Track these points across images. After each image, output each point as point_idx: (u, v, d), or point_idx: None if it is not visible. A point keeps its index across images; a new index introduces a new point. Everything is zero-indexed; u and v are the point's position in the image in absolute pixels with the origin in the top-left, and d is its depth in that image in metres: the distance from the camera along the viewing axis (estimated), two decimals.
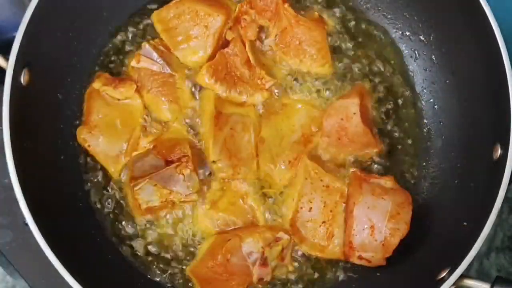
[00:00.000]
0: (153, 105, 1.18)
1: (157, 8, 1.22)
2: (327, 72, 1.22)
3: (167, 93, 1.18)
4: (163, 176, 1.11)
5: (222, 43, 1.20)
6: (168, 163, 1.13)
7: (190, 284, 1.15)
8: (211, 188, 1.16)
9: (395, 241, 1.09)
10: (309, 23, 1.20)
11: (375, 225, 1.09)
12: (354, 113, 1.15)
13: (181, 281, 1.16)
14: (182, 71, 1.19)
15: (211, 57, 1.18)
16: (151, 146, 1.15)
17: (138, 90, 1.18)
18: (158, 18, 1.20)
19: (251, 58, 1.18)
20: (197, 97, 1.19)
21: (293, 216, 1.14)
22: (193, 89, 1.20)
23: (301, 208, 1.14)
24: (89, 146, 1.16)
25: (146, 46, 1.19)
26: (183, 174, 1.12)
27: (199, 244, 1.16)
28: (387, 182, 1.14)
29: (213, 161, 1.14)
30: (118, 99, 1.17)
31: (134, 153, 1.16)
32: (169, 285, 1.16)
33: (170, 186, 1.11)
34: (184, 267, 1.16)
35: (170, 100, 1.18)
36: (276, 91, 1.21)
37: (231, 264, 1.10)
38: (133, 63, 1.18)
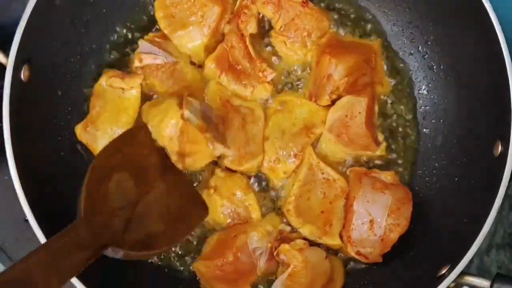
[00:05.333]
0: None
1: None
2: None
3: (179, 80, 1.18)
4: None
5: (223, 37, 1.21)
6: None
7: (191, 277, 1.16)
8: (215, 174, 1.16)
9: (394, 236, 1.09)
10: (317, 12, 1.20)
11: (375, 219, 1.09)
12: (359, 112, 1.15)
13: (185, 275, 1.16)
14: (184, 57, 1.20)
15: (208, 47, 1.19)
16: None
17: (149, 85, 1.18)
18: (159, 4, 1.20)
19: (251, 51, 1.18)
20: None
21: (294, 203, 1.14)
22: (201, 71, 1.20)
23: (301, 196, 1.14)
24: (87, 142, 1.16)
25: (143, 43, 1.19)
26: None
27: (204, 237, 1.16)
28: (388, 177, 1.14)
29: None
30: (123, 90, 1.16)
31: None
32: (170, 281, 1.16)
33: None
34: (188, 261, 1.16)
35: (185, 86, 1.17)
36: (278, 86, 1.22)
37: (240, 262, 1.11)
38: (136, 63, 1.18)
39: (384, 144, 1.18)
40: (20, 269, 0.80)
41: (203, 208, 1.09)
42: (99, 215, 0.92)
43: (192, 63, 1.21)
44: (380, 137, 1.20)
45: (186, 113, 1.05)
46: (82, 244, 0.87)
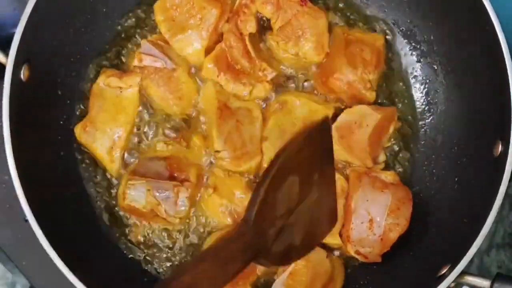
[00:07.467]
0: (162, 102, 1.19)
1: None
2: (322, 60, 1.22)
3: (173, 90, 1.18)
4: (160, 187, 1.10)
5: (221, 37, 1.20)
6: (171, 178, 1.12)
7: None
8: (213, 175, 1.16)
9: (394, 236, 1.09)
10: (315, 11, 1.20)
11: (374, 219, 1.09)
12: (367, 125, 1.15)
13: None
14: (184, 65, 1.20)
15: (208, 49, 1.19)
16: (168, 154, 1.16)
17: (144, 86, 1.18)
18: (159, 8, 1.20)
19: (250, 50, 1.18)
20: (201, 91, 1.20)
21: None
22: (196, 83, 1.20)
23: None
24: (86, 142, 1.16)
25: (145, 43, 1.18)
26: (177, 197, 1.11)
27: (203, 236, 1.16)
28: (388, 176, 1.14)
29: (216, 151, 1.14)
30: (120, 89, 1.16)
31: (147, 155, 1.17)
32: None
33: (161, 199, 1.11)
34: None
35: (178, 97, 1.18)
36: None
37: None
38: (135, 62, 1.18)
39: (382, 166, 1.18)
40: (187, 278, 0.78)
41: (332, 220, 1.03)
42: (264, 222, 0.85)
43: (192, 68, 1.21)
44: (382, 158, 1.19)
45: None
46: (240, 253, 0.83)
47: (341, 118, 1.16)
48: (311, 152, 0.92)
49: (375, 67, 1.19)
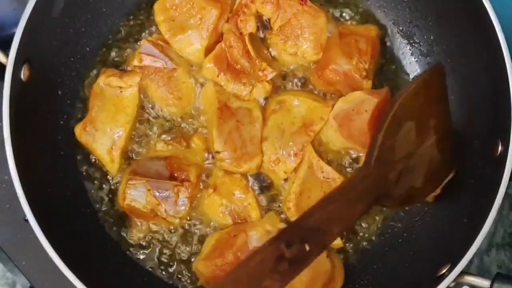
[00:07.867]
0: (162, 101, 1.19)
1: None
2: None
3: (173, 90, 1.18)
4: (160, 187, 1.11)
5: (221, 37, 1.21)
6: (171, 178, 1.12)
7: (192, 277, 1.16)
8: (214, 174, 1.17)
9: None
10: (314, 10, 1.20)
11: None
12: (366, 111, 1.14)
13: (185, 275, 1.16)
14: (184, 64, 1.20)
15: (208, 49, 1.19)
16: (168, 154, 1.16)
17: (143, 86, 1.18)
18: (159, 8, 1.20)
19: (251, 50, 1.18)
20: (201, 91, 1.20)
21: (295, 201, 1.14)
22: (196, 83, 1.20)
23: (301, 194, 1.14)
24: (86, 142, 1.16)
25: (145, 43, 1.19)
26: (178, 196, 1.11)
27: (203, 236, 1.16)
28: None
29: (217, 152, 1.14)
30: (120, 89, 1.16)
31: (150, 154, 1.17)
32: (171, 281, 1.16)
33: (161, 199, 1.11)
34: (188, 261, 1.16)
35: (178, 97, 1.18)
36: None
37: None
38: (135, 62, 1.18)
39: None
40: (317, 218, 0.82)
41: (452, 162, 1.05)
42: (384, 166, 0.90)
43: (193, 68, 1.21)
44: None
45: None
46: (364, 195, 0.87)
47: (338, 106, 1.16)
48: (426, 98, 0.98)
49: (371, 56, 1.19)
